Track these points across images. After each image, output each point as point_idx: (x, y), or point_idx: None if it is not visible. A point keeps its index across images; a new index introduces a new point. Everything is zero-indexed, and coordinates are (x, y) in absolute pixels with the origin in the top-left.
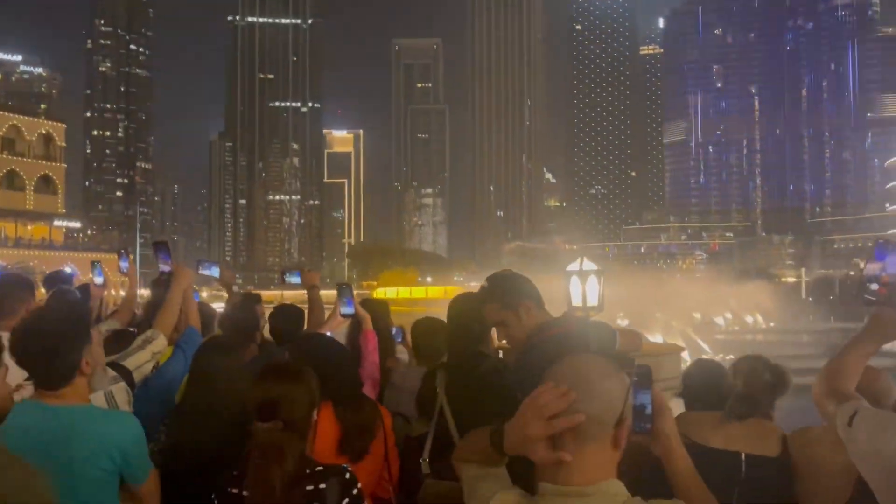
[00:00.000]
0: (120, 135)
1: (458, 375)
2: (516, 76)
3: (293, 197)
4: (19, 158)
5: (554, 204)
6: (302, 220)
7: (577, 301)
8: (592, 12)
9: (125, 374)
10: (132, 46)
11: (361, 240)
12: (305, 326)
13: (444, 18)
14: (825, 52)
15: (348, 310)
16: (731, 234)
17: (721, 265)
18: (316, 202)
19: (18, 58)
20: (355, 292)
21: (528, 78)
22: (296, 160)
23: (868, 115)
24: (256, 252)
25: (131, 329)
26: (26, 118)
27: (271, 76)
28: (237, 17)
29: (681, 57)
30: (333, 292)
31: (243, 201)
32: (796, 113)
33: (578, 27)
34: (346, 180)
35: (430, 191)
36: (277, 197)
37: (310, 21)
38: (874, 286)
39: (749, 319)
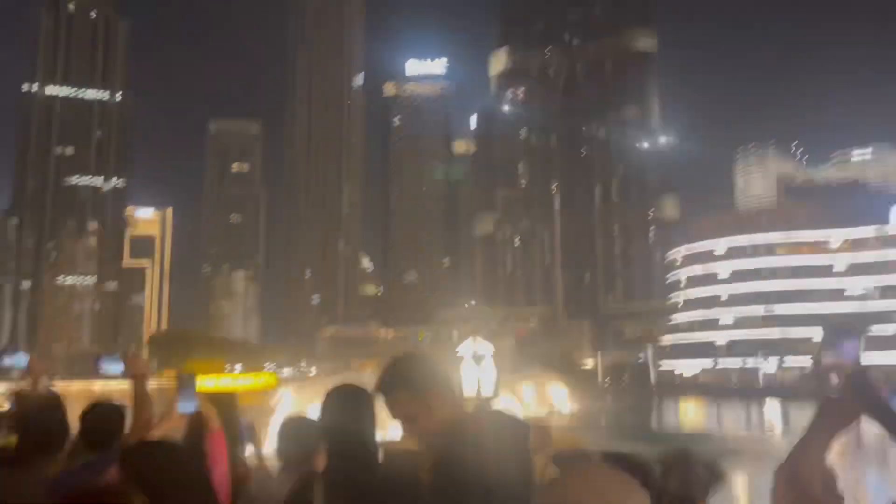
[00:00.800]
0: None
1: (343, 488)
2: (335, 162)
3: (87, 280)
4: None
5: (370, 290)
6: (96, 306)
7: (471, 390)
8: (410, 106)
9: None
10: None
11: (164, 327)
12: (129, 428)
13: (265, 102)
14: (614, 158)
15: (189, 406)
16: (536, 321)
17: (527, 349)
18: (113, 286)
19: None
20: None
21: (346, 165)
22: (93, 240)
23: (650, 215)
24: (39, 340)
25: None
26: None
27: (70, 150)
28: (34, 87)
29: (490, 154)
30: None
31: (27, 283)
32: (591, 210)
33: (397, 122)
34: (149, 263)
35: (242, 274)
36: (68, 280)
37: (119, 94)
38: (834, 378)
39: (554, 400)
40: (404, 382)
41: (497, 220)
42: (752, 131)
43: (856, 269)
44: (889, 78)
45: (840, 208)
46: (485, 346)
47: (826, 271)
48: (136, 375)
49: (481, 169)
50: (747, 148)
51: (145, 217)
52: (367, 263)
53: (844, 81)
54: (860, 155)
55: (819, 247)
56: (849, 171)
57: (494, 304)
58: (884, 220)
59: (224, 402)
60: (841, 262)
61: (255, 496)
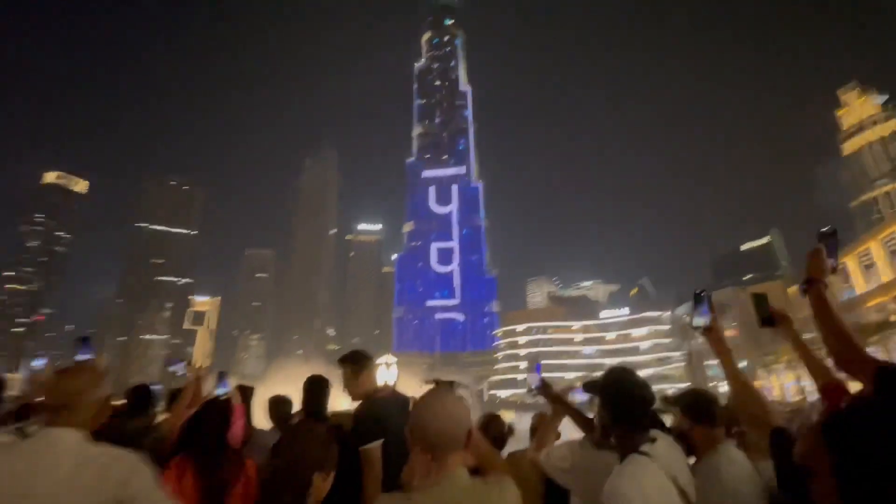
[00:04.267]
0: (31, 288)
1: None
2: (316, 275)
3: (161, 337)
4: None
5: (332, 348)
6: (164, 353)
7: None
8: (360, 246)
9: None
10: (57, 232)
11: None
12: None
13: (279, 238)
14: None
15: (222, 391)
16: (430, 363)
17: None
18: (177, 340)
19: None
20: None
21: (323, 277)
22: (167, 314)
23: (485, 310)
24: (123, 373)
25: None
26: None
27: (161, 260)
28: (143, 224)
29: (406, 274)
30: None
31: (123, 338)
32: None
33: (353, 254)
34: (199, 328)
35: (256, 336)
36: (149, 336)
37: (193, 231)
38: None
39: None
40: (350, 361)
41: (405, 309)
42: (535, 267)
43: (586, 341)
44: (603, 238)
45: (577, 310)
46: (391, 359)
47: (570, 342)
48: (197, 378)
49: (400, 285)
50: (532, 278)
51: (202, 300)
52: (331, 332)
53: (585, 242)
54: (586, 285)
55: (568, 329)
56: (581, 292)
57: (402, 354)
58: (597, 317)
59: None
60: (579, 337)
61: (256, 441)
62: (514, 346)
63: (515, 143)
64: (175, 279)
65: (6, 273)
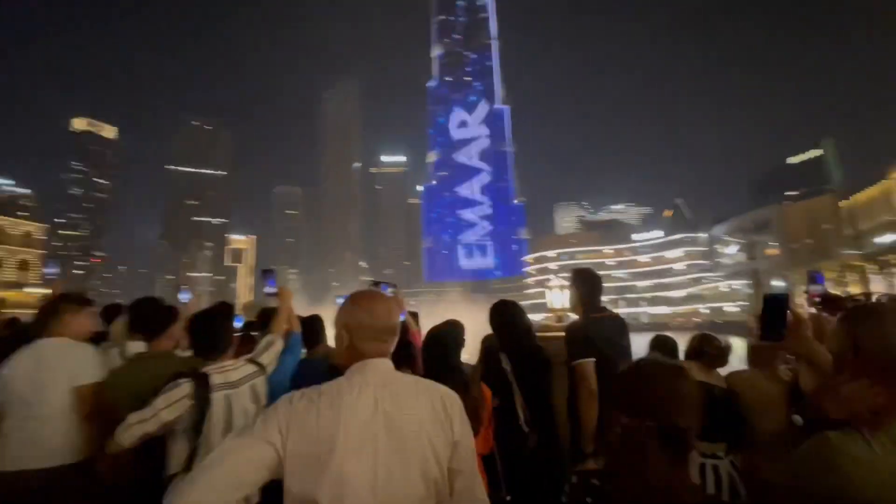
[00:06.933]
0: (83, 233)
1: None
2: (345, 209)
3: (205, 274)
4: (5, 247)
5: (367, 278)
6: (210, 288)
7: (559, 304)
8: (386, 179)
9: (262, 369)
10: (95, 179)
11: (248, 300)
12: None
13: (306, 174)
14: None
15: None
16: (460, 291)
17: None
18: (220, 277)
19: (12, 181)
20: None
21: (350, 210)
22: (208, 253)
23: (514, 237)
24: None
25: (253, 333)
26: (11, 220)
27: (195, 202)
28: (174, 167)
29: (433, 204)
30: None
31: (171, 277)
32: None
33: (379, 187)
34: (239, 265)
35: (293, 271)
36: (194, 274)
37: (223, 172)
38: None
39: None
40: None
41: (433, 240)
42: (563, 192)
43: (619, 265)
44: (634, 160)
45: (609, 234)
46: (561, 281)
47: (602, 266)
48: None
49: (427, 216)
50: (560, 203)
51: (238, 239)
52: (363, 264)
53: (615, 164)
54: (618, 208)
55: (599, 253)
56: (611, 216)
57: (432, 284)
58: (629, 241)
59: (416, 318)
60: (610, 261)
61: None
62: (546, 272)
63: (542, 62)
64: (211, 219)
65: (57, 220)
